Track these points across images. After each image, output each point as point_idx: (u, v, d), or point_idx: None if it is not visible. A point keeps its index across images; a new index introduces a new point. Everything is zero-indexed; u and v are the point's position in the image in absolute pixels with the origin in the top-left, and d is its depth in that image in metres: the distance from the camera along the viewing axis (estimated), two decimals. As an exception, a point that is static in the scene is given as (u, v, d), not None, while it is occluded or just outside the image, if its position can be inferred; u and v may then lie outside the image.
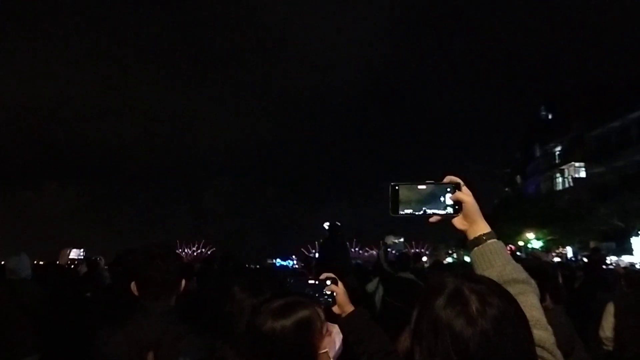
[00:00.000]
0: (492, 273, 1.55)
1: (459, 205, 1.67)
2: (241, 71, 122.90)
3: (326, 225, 11.00)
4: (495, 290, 1.19)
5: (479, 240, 1.64)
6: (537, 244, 36.14)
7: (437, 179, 1.71)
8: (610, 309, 6.13)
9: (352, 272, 8.22)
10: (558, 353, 1.42)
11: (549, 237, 38.66)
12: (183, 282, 2.61)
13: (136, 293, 2.49)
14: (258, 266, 13.33)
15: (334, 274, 2.35)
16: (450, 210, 1.68)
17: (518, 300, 1.47)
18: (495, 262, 1.59)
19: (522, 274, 1.59)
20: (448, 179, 1.70)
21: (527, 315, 1.43)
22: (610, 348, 6.13)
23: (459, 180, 1.69)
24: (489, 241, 1.63)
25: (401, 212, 1.69)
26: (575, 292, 9.16)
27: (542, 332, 1.44)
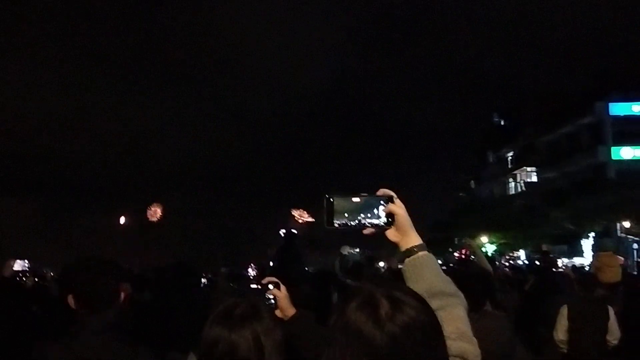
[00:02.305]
0: (422, 285, 1.57)
1: (392, 217, 1.70)
2: (196, 84, 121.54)
3: (282, 232, 11.03)
4: (409, 297, 1.21)
5: (410, 252, 1.67)
6: (490, 248, 36.69)
7: (390, 188, 1.75)
8: (564, 312, 6.23)
9: (308, 280, 8.23)
10: None
11: (502, 241, 39.31)
12: (122, 295, 2.58)
13: (73, 307, 2.45)
14: (211, 276, 13.22)
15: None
16: (383, 222, 1.71)
17: (445, 312, 1.51)
18: (425, 274, 1.62)
19: (451, 286, 1.63)
20: (382, 191, 1.72)
21: (453, 327, 1.47)
22: (565, 350, 6.23)
23: (392, 193, 1.72)
24: (419, 253, 1.66)
25: (336, 224, 1.71)
26: (525, 295, 9.33)
27: (467, 345, 1.46)
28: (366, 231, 1.71)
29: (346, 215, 1.71)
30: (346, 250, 9.07)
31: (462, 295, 1.64)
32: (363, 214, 1.71)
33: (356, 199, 1.72)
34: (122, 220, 69.58)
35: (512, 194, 51.46)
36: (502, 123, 59.50)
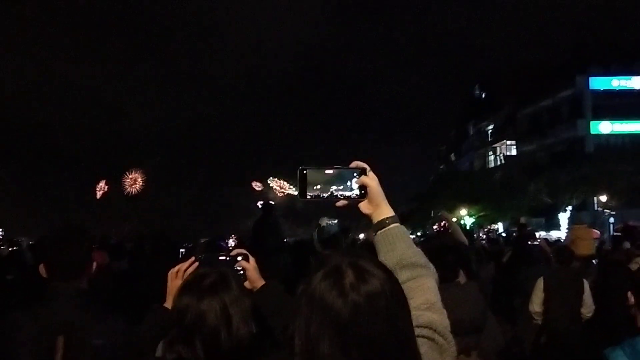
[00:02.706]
0: (393, 256, 1.59)
1: (365, 189, 1.70)
2: (172, 52, 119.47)
3: (260, 204, 11.03)
4: (375, 268, 1.22)
5: (382, 224, 1.67)
6: (469, 221, 37.01)
7: (365, 160, 1.75)
8: (540, 284, 6.31)
9: (286, 251, 8.26)
10: (449, 336, 1.46)
11: (481, 213, 39.66)
12: (94, 264, 2.58)
13: (45, 275, 2.44)
14: (190, 245, 13.23)
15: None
16: (356, 194, 1.71)
17: (415, 283, 1.53)
18: (397, 245, 1.63)
19: (422, 258, 1.64)
20: (355, 164, 1.73)
21: (422, 298, 1.49)
22: (540, 322, 6.33)
23: (365, 165, 1.72)
24: (391, 225, 1.66)
25: (309, 195, 1.71)
26: (502, 267, 9.46)
27: (436, 315, 1.48)
28: (339, 203, 1.71)
29: (319, 187, 1.71)
30: (324, 221, 9.07)
31: (432, 266, 1.65)
32: (336, 186, 1.71)
33: (329, 171, 1.72)
34: (99, 188, 69.15)
35: (492, 167, 51.77)
36: (483, 96, 59.67)
